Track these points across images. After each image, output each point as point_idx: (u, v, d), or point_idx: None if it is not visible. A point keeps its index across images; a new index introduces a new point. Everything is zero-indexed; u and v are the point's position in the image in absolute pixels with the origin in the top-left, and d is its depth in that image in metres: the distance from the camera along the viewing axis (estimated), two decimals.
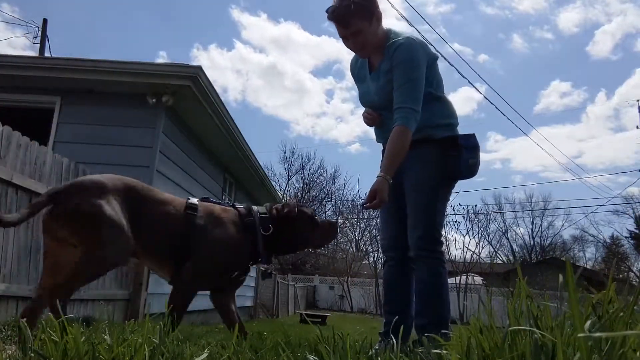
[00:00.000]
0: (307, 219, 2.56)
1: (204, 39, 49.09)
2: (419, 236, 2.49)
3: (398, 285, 2.65)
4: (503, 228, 32.61)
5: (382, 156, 2.76)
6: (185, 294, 2.22)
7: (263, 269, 2.61)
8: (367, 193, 2.45)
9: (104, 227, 1.91)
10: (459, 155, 2.52)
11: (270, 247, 2.43)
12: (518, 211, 36.59)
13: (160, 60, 48.37)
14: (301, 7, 50.30)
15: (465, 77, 41.10)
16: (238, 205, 2.48)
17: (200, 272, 2.22)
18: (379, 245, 3.16)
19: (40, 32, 15.09)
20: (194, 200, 2.32)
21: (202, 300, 2.44)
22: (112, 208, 1.96)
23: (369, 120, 2.74)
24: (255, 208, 2.48)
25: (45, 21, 15.27)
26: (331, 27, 2.55)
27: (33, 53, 15.14)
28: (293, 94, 48.59)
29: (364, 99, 2.76)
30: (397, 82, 2.47)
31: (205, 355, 0.99)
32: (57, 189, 2.00)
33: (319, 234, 2.61)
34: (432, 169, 2.53)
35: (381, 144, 2.78)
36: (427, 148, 2.54)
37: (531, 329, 0.82)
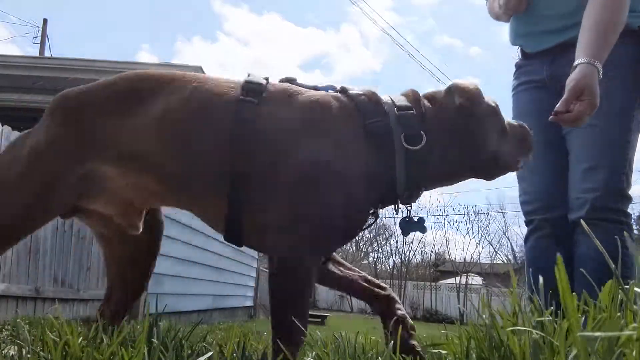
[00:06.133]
0: (491, 114, 1.35)
1: (187, 31, 48.37)
2: (602, 185, 1.62)
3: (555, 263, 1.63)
4: (503, 228, 32.66)
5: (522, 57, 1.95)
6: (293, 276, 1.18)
7: (406, 215, 1.32)
8: (568, 90, 1.49)
9: None
10: None
11: (418, 174, 1.27)
12: (518, 211, 36.63)
13: (143, 54, 47.84)
14: None
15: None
16: (351, 91, 1.33)
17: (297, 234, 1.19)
18: (520, 202, 1.91)
19: (40, 32, 15.10)
20: (255, 78, 1.37)
21: (202, 300, 2.45)
22: None
23: None
24: (386, 97, 1.33)
25: (45, 21, 15.29)
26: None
27: (16, 48, 15.21)
28: None
29: None
30: None
31: (205, 357, 1.00)
32: None
33: (511, 143, 1.38)
34: (627, 78, 1.64)
35: (521, 46, 1.98)
36: (616, 45, 1.57)
37: (529, 329, 0.82)
